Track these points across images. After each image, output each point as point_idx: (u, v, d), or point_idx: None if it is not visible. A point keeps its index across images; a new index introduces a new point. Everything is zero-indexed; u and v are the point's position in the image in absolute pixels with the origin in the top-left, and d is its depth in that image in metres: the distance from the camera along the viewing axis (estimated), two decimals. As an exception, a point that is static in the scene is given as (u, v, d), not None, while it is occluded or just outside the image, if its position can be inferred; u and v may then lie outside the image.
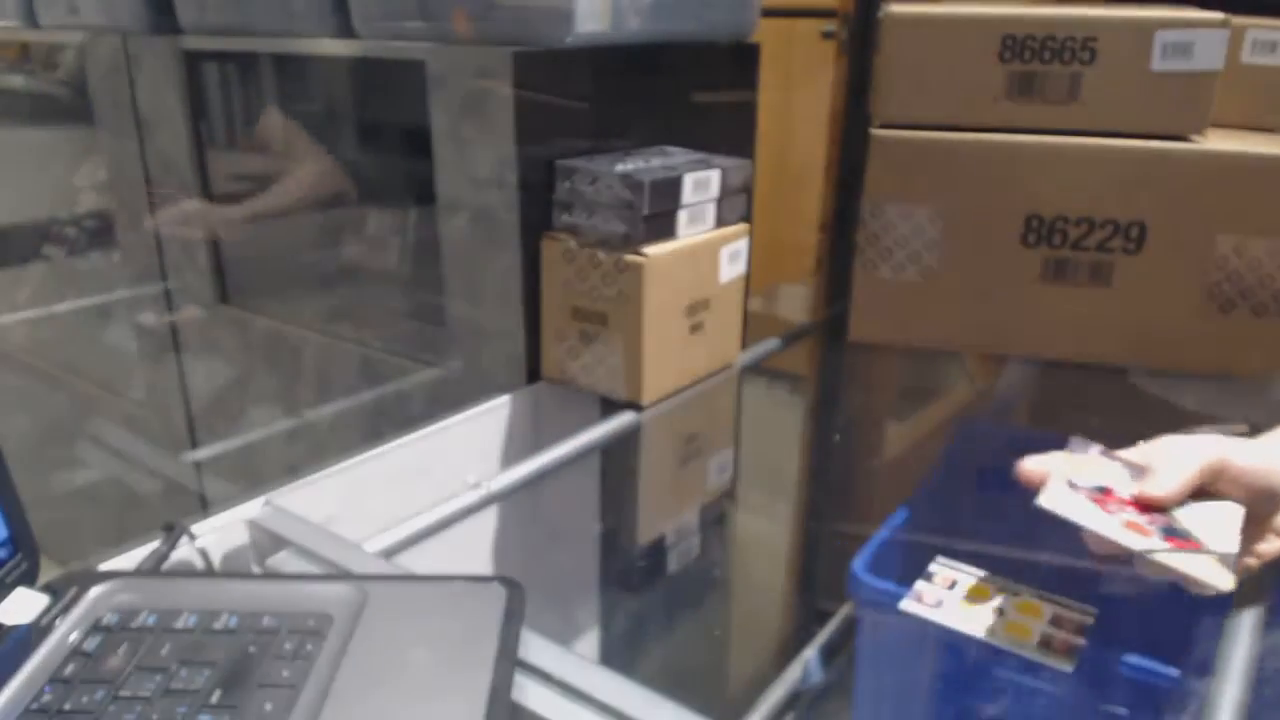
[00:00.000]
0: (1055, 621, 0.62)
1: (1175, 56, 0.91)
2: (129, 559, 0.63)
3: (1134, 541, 0.56)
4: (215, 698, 0.47)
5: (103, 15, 1.38)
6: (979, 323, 1.04)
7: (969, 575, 0.66)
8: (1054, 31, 0.94)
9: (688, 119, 1.14)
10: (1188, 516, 0.58)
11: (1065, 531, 0.78)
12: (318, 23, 1.14)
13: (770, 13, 1.23)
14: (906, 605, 0.64)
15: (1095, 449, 0.63)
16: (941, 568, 0.67)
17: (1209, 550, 0.56)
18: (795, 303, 1.48)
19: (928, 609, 0.63)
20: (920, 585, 0.65)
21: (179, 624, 0.52)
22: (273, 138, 1.35)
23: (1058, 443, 0.64)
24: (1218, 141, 0.94)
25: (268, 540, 0.68)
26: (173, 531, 0.65)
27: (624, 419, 0.96)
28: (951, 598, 0.64)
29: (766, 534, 0.93)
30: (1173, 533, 0.57)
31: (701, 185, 0.97)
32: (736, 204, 1.03)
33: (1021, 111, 0.97)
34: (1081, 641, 0.60)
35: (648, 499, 0.96)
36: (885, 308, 1.07)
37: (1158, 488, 0.58)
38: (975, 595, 0.64)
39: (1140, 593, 0.69)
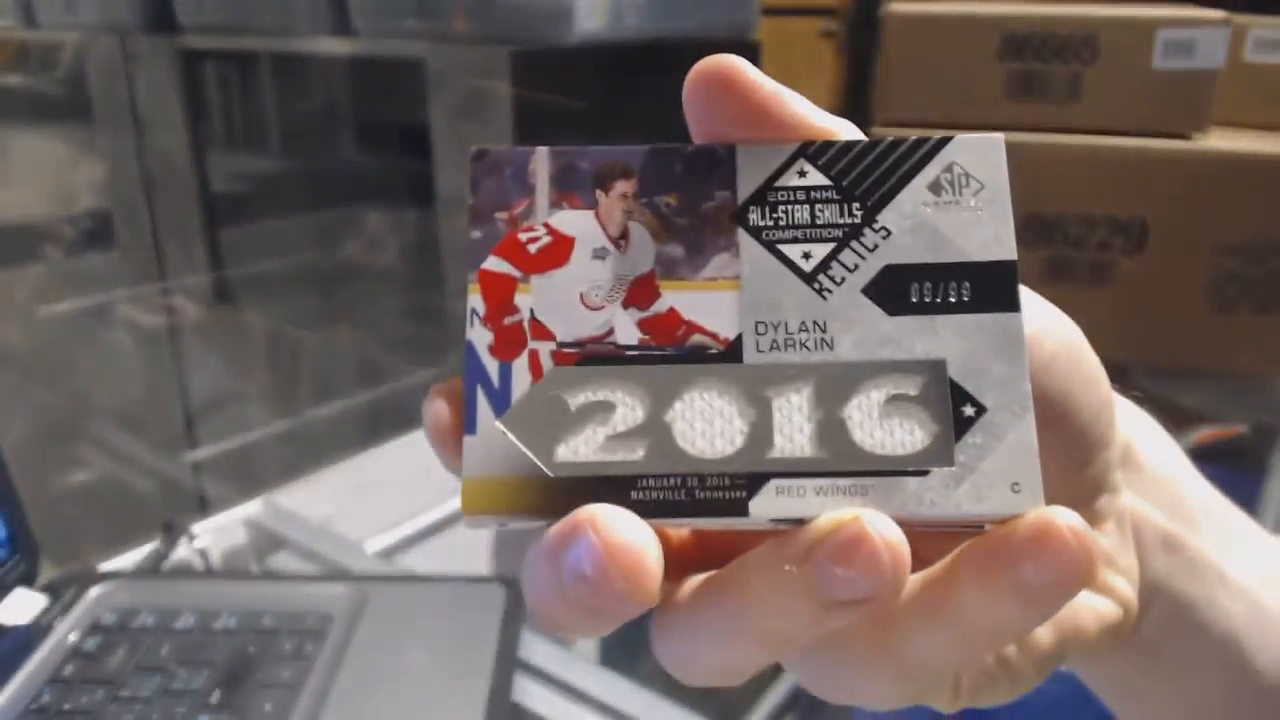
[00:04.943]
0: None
1: (1176, 55, 0.91)
2: (128, 559, 0.63)
3: None
4: (215, 698, 0.46)
5: (101, 14, 1.37)
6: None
7: None
8: (1055, 30, 0.94)
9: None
10: None
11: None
12: (316, 21, 1.13)
13: (768, 11, 1.23)
14: None
15: None
16: None
17: None
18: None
19: None
20: None
21: (178, 624, 0.52)
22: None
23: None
24: (1219, 140, 0.93)
25: (267, 540, 0.68)
26: (171, 531, 0.65)
27: (624, 418, 0.96)
28: None
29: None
30: None
31: (701, 184, 0.97)
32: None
33: (1022, 110, 0.97)
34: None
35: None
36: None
37: None
38: None
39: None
